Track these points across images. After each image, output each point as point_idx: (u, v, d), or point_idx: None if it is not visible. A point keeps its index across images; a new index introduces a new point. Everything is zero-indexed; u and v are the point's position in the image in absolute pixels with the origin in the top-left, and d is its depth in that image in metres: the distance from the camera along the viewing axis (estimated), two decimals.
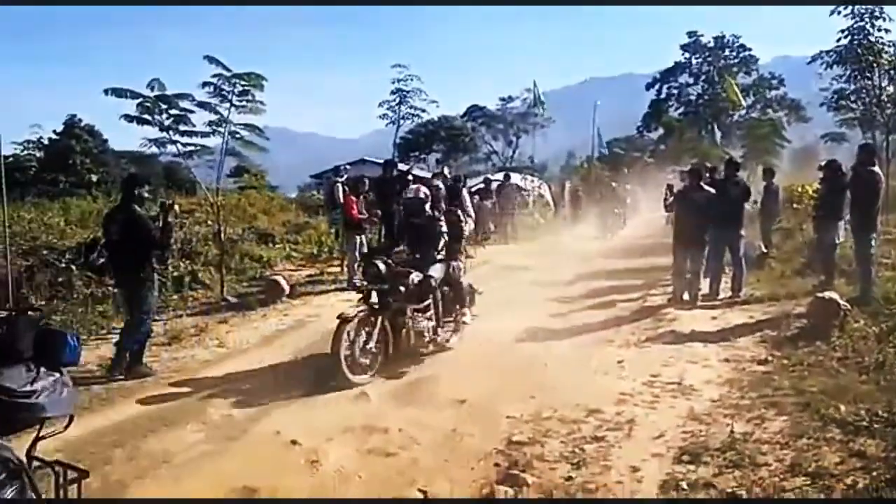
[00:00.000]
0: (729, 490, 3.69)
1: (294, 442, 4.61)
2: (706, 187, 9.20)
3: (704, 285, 9.13)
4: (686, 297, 8.84)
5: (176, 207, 6.98)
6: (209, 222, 13.19)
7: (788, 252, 11.86)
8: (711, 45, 50.38)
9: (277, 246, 12.86)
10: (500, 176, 24.03)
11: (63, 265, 9.57)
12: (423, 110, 25.33)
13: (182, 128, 8.69)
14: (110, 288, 8.87)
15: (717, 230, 8.98)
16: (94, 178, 33.06)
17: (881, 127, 16.32)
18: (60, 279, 9.02)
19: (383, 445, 4.58)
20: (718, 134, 43.56)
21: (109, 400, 5.63)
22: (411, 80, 24.91)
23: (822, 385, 5.25)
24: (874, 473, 3.72)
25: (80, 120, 36.83)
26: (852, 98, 17.15)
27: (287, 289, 9.51)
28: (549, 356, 6.69)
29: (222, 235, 9.90)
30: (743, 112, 45.33)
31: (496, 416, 5.09)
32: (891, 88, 15.26)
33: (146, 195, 6.65)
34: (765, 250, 11.79)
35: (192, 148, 8.92)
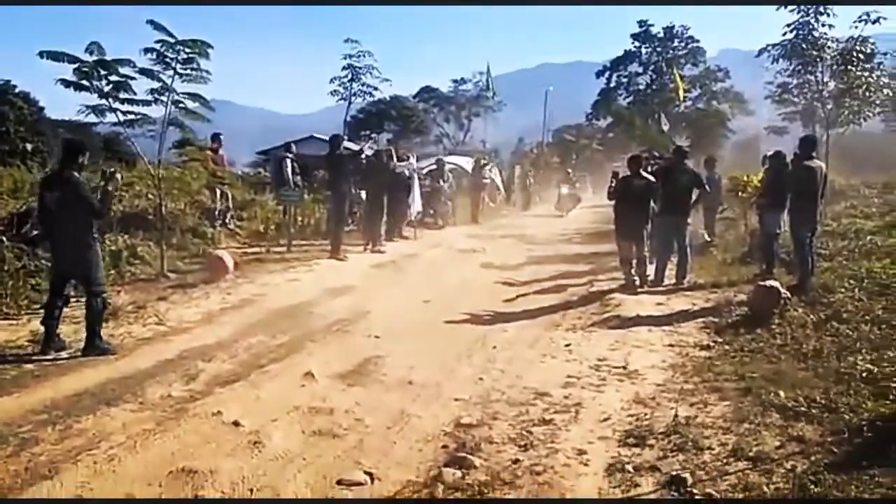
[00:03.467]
0: (673, 473, 3.73)
1: (236, 423, 4.48)
2: (646, 175, 9.30)
3: (650, 271, 9.26)
4: (637, 282, 8.95)
5: (118, 176, 6.70)
6: (149, 196, 12.77)
7: (730, 241, 12.18)
8: (661, 35, 51.22)
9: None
10: (454, 158, 23.98)
11: None
12: (376, 88, 24.96)
13: (122, 95, 8.26)
14: (44, 261, 8.48)
15: (664, 217, 9.11)
16: (29, 146, 31.53)
17: (821, 121, 16.84)
18: None
19: (329, 427, 4.48)
20: (665, 124, 44.55)
21: (43, 377, 5.36)
22: (364, 56, 24.50)
23: (763, 371, 5.37)
24: (812, 458, 3.81)
25: (15, 86, 35.05)
26: (795, 92, 17.61)
27: (231, 266, 9.24)
28: (498, 339, 6.70)
29: (163, 209, 9.54)
30: (689, 103, 46.35)
31: (444, 398, 5.06)
32: (832, 84, 15.70)
33: (85, 162, 6.29)
34: (708, 239, 12.08)
35: (132, 117, 8.50)
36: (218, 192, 12.37)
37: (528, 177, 26.23)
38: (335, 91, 24.83)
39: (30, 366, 5.66)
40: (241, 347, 6.31)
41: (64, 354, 5.96)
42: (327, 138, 31.14)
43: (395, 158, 13.67)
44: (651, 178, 9.14)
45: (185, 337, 6.62)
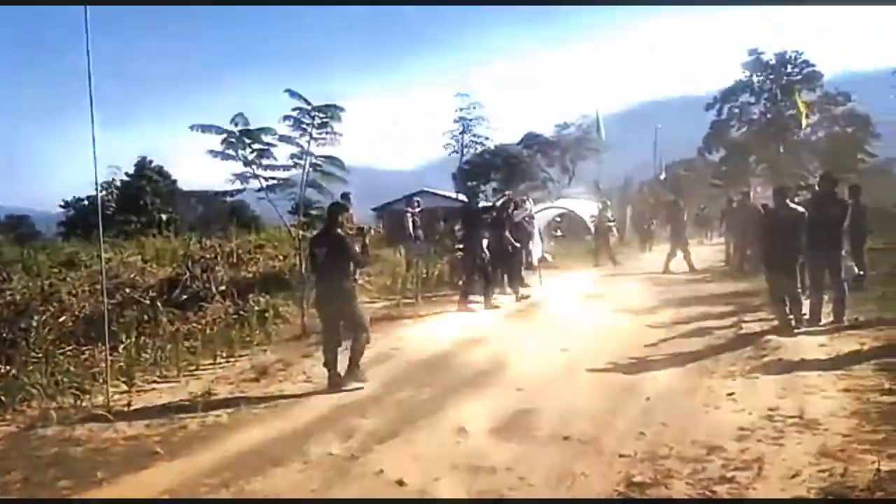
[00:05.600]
0: None
1: (400, 482, 4.44)
2: (794, 206, 8.76)
3: (805, 310, 8.62)
4: (792, 322, 8.35)
5: (372, 231, 7.78)
6: (280, 257, 13.36)
7: (886, 273, 11.22)
8: (773, 62, 49.21)
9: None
10: (564, 202, 23.79)
11: (147, 302, 9.75)
12: (487, 138, 25.25)
13: (265, 162, 8.78)
14: (195, 325, 8.98)
15: (815, 251, 8.50)
16: (164, 217, 34.17)
17: None
18: (146, 316, 9.16)
19: (494, 486, 4.35)
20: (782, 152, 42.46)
21: (208, 438, 5.56)
22: (474, 108, 24.93)
23: None
24: None
25: (151, 161, 38.24)
26: None
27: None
28: (650, 388, 6.37)
29: (302, 268, 9.91)
30: (808, 129, 44.01)
31: (607, 454, 4.81)
32: None
33: (345, 222, 7.39)
34: (859, 272, 11.18)
35: (274, 182, 9.00)
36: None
37: (645, 216, 25.45)
38: (447, 144, 25.36)
39: (194, 426, 5.90)
40: (390, 403, 6.32)
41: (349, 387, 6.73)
42: (437, 192, 31.64)
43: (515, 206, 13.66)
44: (800, 208, 8.59)
45: (333, 394, 6.73)
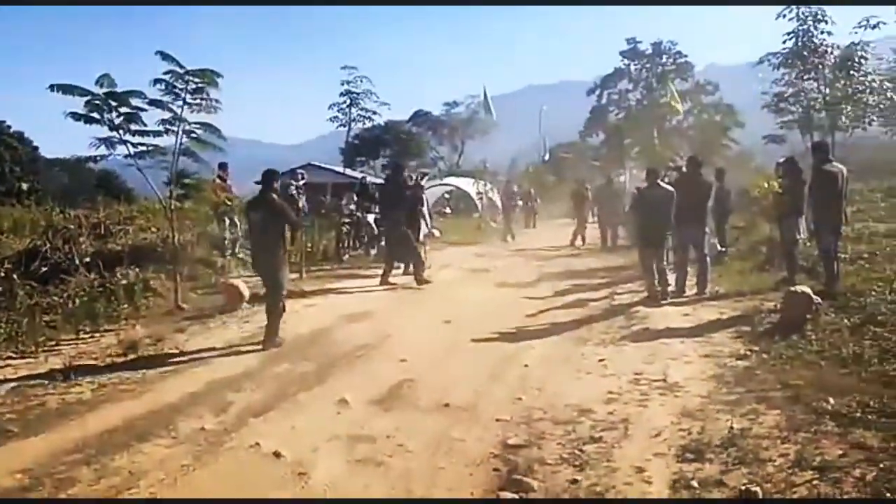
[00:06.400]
0: (742, 487, 3.59)
1: (277, 454, 4.33)
2: (664, 185, 9.26)
3: (671, 281, 9.17)
4: (659, 292, 8.86)
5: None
6: (152, 229, 12.66)
7: (744, 249, 12.11)
8: (649, 51, 51.70)
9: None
10: (452, 180, 24.07)
11: (2, 275, 8.97)
12: (375, 112, 24.93)
13: (133, 127, 8.20)
14: (55, 299, 8.36)
15: (682, 227, 9.03)
16: (25, 186, 31.50)
17: (820, 128, 16.94)
18: (0, 289, 8.42)
19: (373, 454, 4.33)
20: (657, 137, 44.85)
21: (67, 415, 5.19)
22: (361, 81, 24.50)
23: (806, 378, 5.26)
24: (881, 465, 3.68)
25: (10, 126, 35.07)
26: (791, 101, 17.74)
27: (247, 295, 9.10)
28: (528, 356, 6.55)
29: (175, 241, 9.40)
30: (680, 117, 46.65)
31: (485, 419, 4.91)
32: (829, 90, 15.79)
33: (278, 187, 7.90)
34: (721, 248, 12.00)
35: (143, 148, 8.43)
36: (227, 221, 12.27)
37: (530, 196, 26.15)
38: (334, 118, 24.74)
39: (53, 403, 5.50)
40: (268, 376, 6.15)
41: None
42: (325, 166, 30.95)
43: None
44: (670, 188, 9.07)
45: (207, 368, 6.46)
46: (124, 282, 9.01)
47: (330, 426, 4.84)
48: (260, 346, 7.09)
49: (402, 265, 11.85)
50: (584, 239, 18.23)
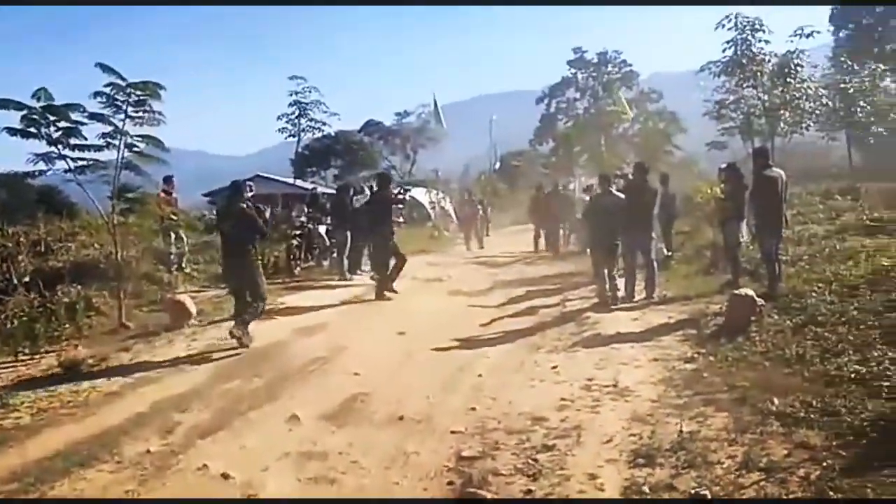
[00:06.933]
0: (692, 490, 3.65)
1: (225, 475, 4.22)
2: (616, 192, 9.43)
3: (620, 286, 9.31)
4: (609, 297, 8.99)
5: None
6: (96, 245, 12.27)
7: (689, 254, 12.40)
8: (595, 60, 52.72)
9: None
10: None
11: None
12: (325, 123, 24.78)
13: (73, 141, 7.93)
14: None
15: (630, 233, 9.19)
16: None
17: (760, 134, 17.50)
18: None
19: (325, 472, 4.26)
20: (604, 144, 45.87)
21: (5, 440, 4.98)
22: (310, 92, 24.36)
23: (752, 379, 5.38)
24: (824, 464, 3.79)
25: None
26: (732, 108, 18.28)
27: (194, 311, 8.89)
28: (482, 366, 6.56)
29: (118, 257, 9.11)
30: (627, 125, 47.66)
31: (439, 431, 4.89)
32: (768, 97, 16.34)
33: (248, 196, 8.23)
34: (667, 252, 12.26)
35: (83, 163, 8.16)
36: (173, 235, 11.98)
37: (483, 204, 26.31)
38: (283, 129, 24.53)
39: None
40: (217, 394, 6.01)
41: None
42: (274, 177, 30.51)
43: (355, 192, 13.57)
44: (621, 195, 9.24)
45: (154, 388, 6.28)
46: (66, 300, 8.71)
47: (281, 444, 4.74)
48: (242, 347, 7.36)
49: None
50: (552, 245, 17.91)
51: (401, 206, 13.20)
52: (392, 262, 10.67)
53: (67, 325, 8.26)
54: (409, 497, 3.92)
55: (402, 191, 14.22)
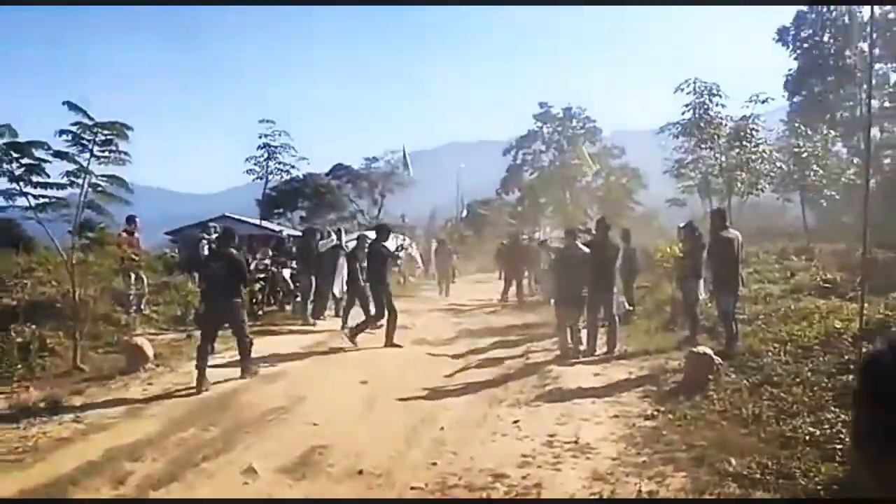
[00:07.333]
0: None
1: None
2: (582, 246, 9.60)
3: (583, 340, 9.41)
4: (571, 351, 9.08)
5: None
6: (53, 283, 11.97)
7: (650, 309, 12.60)
8: (561, 115, 54.05)
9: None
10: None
11: None
12: (293, 166, 24.81)
13: (35, 179, 7.83)
14: None
15: (593, 287, 9.33)
16: None
17: (717, 193, 18.05)
18: None
19: None
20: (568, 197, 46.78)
21: None
22: (279, 134, 24.44)
23: (710, 439, 5.46)
24: None
25: None
26: (691, 167, 18.86)
27: (151, 354, 8.70)
28: (444, 418, 6.54)
29: (76, 297, 8.91)
30: (589, 178, 48.71)
31: (399, 486, 4.85)
32: (725, 158, 16.94)
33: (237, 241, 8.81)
34: (629, 307, 12.45)
35: (45, 200, 8.03)
36: (133, 276, 11.78)
37: (450, 251, 26.41)
38: (251, 170, 24.50)
39: None
40: (171, 443, 5.86)
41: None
42: (240, 217, 30.26)
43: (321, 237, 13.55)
44: (586, 248, 9.41)
45: (106, 434, 6.10)
46: (19, 340, 8.45)
47: (236, 497, 4.64)
48: (201, 391, 7.53)
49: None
50: (519, 295, 17.85)
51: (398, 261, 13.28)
52: (373, 309, 10.88)
53: (19, 366, 8.00)
54: None
55: (399, 246, 14.19)
